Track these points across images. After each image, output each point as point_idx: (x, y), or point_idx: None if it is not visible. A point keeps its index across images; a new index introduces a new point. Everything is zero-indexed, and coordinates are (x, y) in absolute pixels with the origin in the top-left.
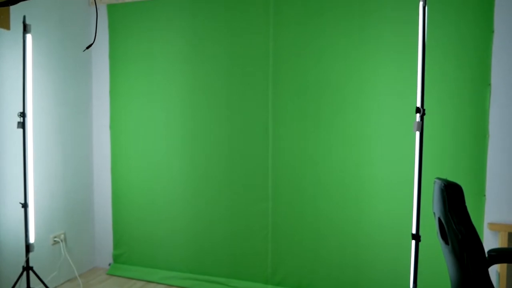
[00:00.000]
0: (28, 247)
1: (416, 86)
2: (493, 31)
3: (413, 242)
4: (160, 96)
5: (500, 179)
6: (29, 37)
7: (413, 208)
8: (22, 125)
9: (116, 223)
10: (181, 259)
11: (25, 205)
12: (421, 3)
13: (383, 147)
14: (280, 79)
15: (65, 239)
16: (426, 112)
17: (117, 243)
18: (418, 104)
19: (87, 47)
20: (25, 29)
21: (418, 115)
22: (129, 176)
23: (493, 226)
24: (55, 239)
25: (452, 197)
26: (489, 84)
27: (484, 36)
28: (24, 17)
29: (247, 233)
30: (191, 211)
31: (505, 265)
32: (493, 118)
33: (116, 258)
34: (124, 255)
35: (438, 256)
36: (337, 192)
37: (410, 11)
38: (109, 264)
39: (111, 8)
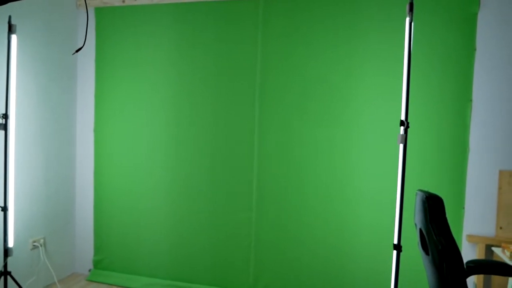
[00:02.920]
0: (6, 252)
1: (401, 99)
2: (475, 49)
3: (395, 252)
4: (145, 102)
5: (479, 193)
6: (14, 37)
7: (395, 219)
8: (4, 126)
9: (98, 229)
10: (163, 266)
11: (4, 209)
12: (407, 19)
13: (367, 158)
14: (267, 88)
15: (44, 243)
16: (410, 125)
17: (98, 248)
18: (403, 117)
19: (76, 51)
20: (10, 29)
21: (402, 128)
22: (112, 182)
23: (471, 238)
24: (35, 243)
25: (433, 208)
26: (471, 100)
27: (467, 53)
28: (10, 17)
29: (230, 241)
30: (174, 218)
31: (482, 276)
32: (474, 133)
33: (97, 264)
34: (104, 261)
35: (419, 266)
36: (320, 202)
37: (397, 23)
38: (89, 270)
39: (98, 11)
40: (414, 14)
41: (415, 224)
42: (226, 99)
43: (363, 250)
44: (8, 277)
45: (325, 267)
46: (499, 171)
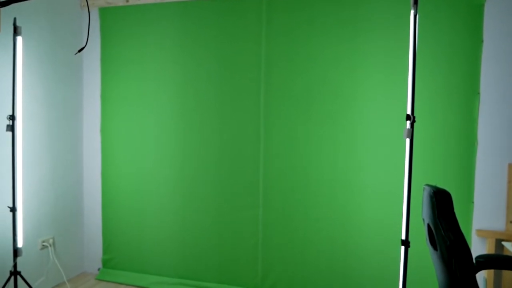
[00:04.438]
0: (16, 252)
1: (406, 93)
2: (482, 41)
3: (403, 248)
4: (151, 101)
5: (488, 187)
6: (19, 39)
7: (402, 214)
8: (11, 128)
9: (106, 228)
10: (171, 264)
11: (13, 209)
12: (412, 12)
13: (373, 154)
14: (271, 85)
15: (53, 243)
16: (416, 119)
17: (106, 248)
18: (409, 112)
19: (79, 50)
20: (16, 31)
21: (408, 122)
22: (120, 181)
23: (481, 232)
24: (44, 243)
25: (441, 203)
26: (478, 93)
27: (474, 45)
28: (15, 19)
29: (237, 239)
30: (181, 216)
31: (492, 271)
32: (482, 126)
33: (106, 263)
34: (113, 260)
35: (427, 262)
36: (327, 199)
37: (401, 18)
38: (98, 269)
39: (102, 11)
40: (418, 7)
41: (423, 219)
42: (231, 97)
43: (371, 247)
44: (18, 277)
45: (332, 264)
46: (509, 164)
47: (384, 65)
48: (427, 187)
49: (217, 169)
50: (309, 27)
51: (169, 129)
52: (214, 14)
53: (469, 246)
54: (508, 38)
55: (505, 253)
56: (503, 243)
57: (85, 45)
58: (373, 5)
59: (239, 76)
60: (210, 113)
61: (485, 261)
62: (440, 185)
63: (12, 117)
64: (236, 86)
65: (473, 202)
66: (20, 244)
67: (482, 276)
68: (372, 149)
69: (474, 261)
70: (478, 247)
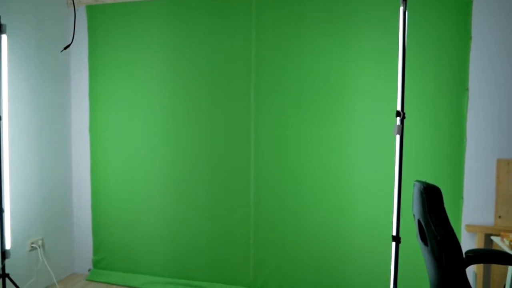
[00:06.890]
0: (4, 254)
1: (396, 91)
2: (470, 37)
3: (394, 244)
4: (140, 100)
5: (478, 182)
6: (4, 37)
7: (393, 211)
8: None
9: (96, 228)
10: (163, 263)
11: (0, 210)
12: (401, 8)
13: (363, 151)
14: (262, 83)
15: (43, 244)
16: (406, 115)
17: (97, 248)
18: (399, 108)
19: (65, 48)
20: (0, 29)
21: (398, 118)
22: (109, 180)
23: (470, 227)
24: (33, 245)
25: (431, 199)
26: (467, 89)
27: (462, 42)
28: None
29: (229, 238)
30: (173, 216)
31: (481, 265)
32: (471, 122)
33: (96, 264)
34: (104, 261)
35: (418, 259)
36: (318, 197)
37: (391, 13)
38: (89, 270)
39: (90, 9)
40: (408, 4)
41: (414, 215)
42: (221, 95)
43: (361, 244)
44: (7, 279)
45: (324, 261)
46: (497, 159)
47: (375, 61)
48: (417, 183)
49: (207, 168)
50: (300, 23)
51: (159, 128)
52: (203, 11)
53: (459, 241)
54: (496, 35)
55: (494, 248)
56: (492, 237)
57: (71, 43)
58: (363, 1)
59: (229, 74)
60: (200, 111)
61: (475, 256)
62: (430, 181)
63: None
64: (226, 84)
65: (462, 198)
66: (8, 246)
67: (472, 271)
68: (364, 146)
69: (464, 256)
70: (467, 242)
